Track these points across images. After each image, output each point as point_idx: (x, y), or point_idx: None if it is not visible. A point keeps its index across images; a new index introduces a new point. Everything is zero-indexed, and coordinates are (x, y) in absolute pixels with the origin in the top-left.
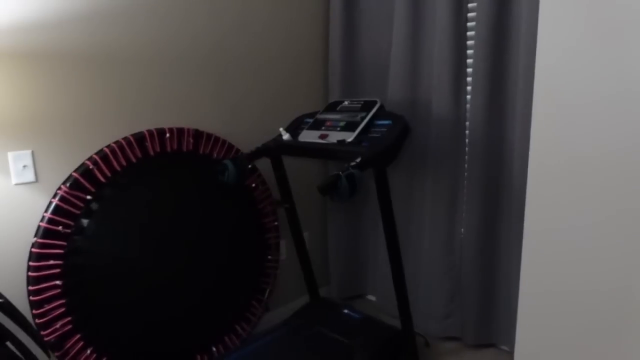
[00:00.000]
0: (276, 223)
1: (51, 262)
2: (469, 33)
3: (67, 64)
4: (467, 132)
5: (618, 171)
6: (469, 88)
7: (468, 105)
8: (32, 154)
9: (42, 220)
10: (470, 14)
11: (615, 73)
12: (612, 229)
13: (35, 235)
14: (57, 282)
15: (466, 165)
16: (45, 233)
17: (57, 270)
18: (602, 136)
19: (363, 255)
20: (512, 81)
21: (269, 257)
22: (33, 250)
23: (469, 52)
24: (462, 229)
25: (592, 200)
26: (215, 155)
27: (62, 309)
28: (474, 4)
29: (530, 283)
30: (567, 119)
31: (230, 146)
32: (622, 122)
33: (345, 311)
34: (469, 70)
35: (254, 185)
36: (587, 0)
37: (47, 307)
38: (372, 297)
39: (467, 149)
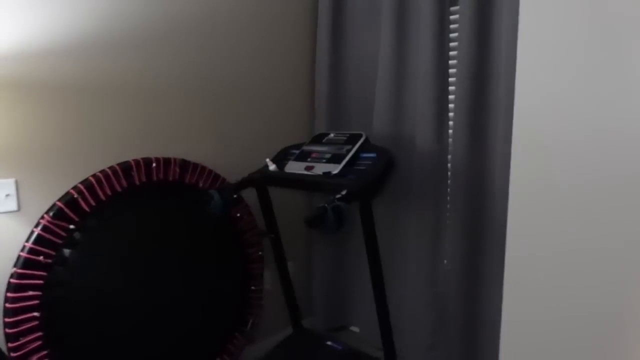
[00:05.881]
0: (261, 253)
1: (30, 293)
2: (451, 70)
3: (55, 94)
4: (449, 165)
5: (595, 200)
6: (451, 123)
7: (450, 140)
8: (16, 182)
9: (22, 250)
10: (452, 52)
11: (590, 110)
12: (592, 257)
13: (15, 265)
14: (35, 314)
15: (449, 198)
16: (25, 263)
17: (36, 302)
18: (579, 168)
19: (348, 286)
20: (493, 115)
21: (253, 287)
22: (11, 280)
23: (451, 88)
24: (446, 260)
25: (571, 230)
26: (201, 185)
27: (39, 342)
28: (455, 43)
29: (512, 314)
30: (545, 151)
31: (217, 176)
32: (598, 155)
33: (329, 343)
34: (451, 105)
35: (239, 215)
36: (566, 42)
37: (23, 340)
38: (356, 329)
39: (449, 181)
